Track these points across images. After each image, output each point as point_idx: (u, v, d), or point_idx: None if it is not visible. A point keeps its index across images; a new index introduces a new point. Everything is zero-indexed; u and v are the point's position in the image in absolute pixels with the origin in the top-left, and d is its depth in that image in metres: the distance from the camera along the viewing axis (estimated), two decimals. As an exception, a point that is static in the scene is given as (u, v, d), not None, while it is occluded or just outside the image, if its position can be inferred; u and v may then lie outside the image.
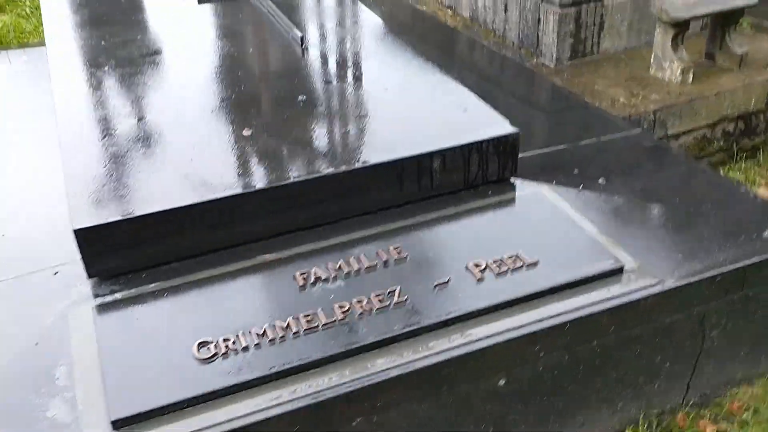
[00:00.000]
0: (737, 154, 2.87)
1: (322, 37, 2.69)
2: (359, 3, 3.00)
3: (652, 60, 2.80)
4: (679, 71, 2.71)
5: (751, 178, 2.84)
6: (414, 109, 2.10)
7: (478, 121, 2.03)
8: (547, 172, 2.07)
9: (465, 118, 2.05)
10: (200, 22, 2.85)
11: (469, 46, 3.19)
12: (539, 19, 2.98)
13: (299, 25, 2.63)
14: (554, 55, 2.95)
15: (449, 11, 3.64)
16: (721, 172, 2.84)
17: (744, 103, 2.76)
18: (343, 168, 1.80)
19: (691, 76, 2.72)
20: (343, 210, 1.84)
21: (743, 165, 2.88)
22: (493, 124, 2.01)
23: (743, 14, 2.81)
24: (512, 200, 1.94)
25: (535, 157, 2.18)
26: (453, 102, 2.13)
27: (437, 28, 3.42)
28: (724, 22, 2.79)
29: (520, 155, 2.06)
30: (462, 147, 1.92)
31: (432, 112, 2.08)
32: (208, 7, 3.00)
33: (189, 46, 2.55)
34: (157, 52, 2.49)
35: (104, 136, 1.96)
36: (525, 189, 1.98)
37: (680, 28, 2.67)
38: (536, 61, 3.02)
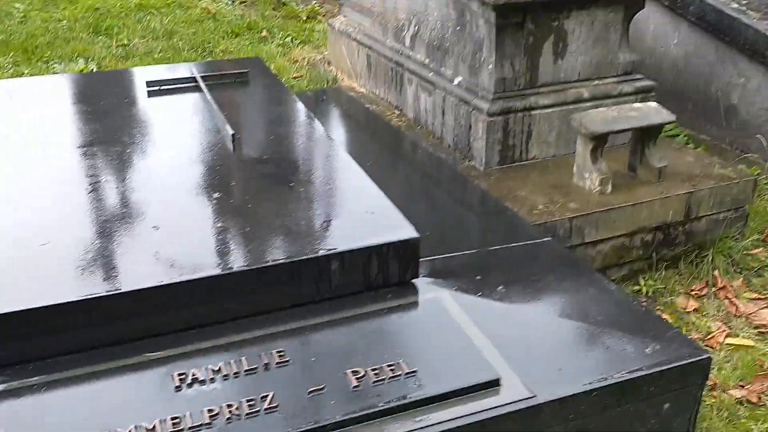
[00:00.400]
0: (657, 264, 2.94)
1: (257, 135, 2.78)
2: (298, 103, 3.11)
3: (574, 169, 2.90)
4: (598, 182, 2.80)
5: (670, 288, 2.90)
6: (322, 210, 2.16)
7: (383, 224, 2.09)
8: (451, 276, 2.12)
9: (370, 220, 2.11)
10: (142, 115, 2.94)
11: (409, 147, 3.30)
12: (470, 126, 3.10)
13: (239, 124, 2.73)
14: (483, 160, 3.05)
15: (396, 111, 3.78)
16: (641, 280, 2.91)
17: (661, 215, 2.85)
18: (238, 268, 1.84)
19: (609, 186, 2.82)
20: (237, 310, 1.86)
21: (663, 274, 2.94)
22: (397, 228, 2.06)
23: (661, 130, 2.93)
24: (408, 305, 1.97)
25: (443, 260, 2.23)
26: (363, 204, 2.20)
27: (384, 127, 3.54)
28: (643, 136, 2.91)
29: (429, 258, 2.12)
30: (361, 250, 1.97)
31: (339, 214, 2.15)
32: (156, 101, 3.11)
33: (120, 140, 2.62)
34: (88, 143, 2.56)
35: (12, 226, 2.01)
36: (424, 294, 2.01)
37: (599, 141, 2.78)
38: (468, 164, 3.12)
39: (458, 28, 3.24)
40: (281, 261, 1.89)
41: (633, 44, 4.26)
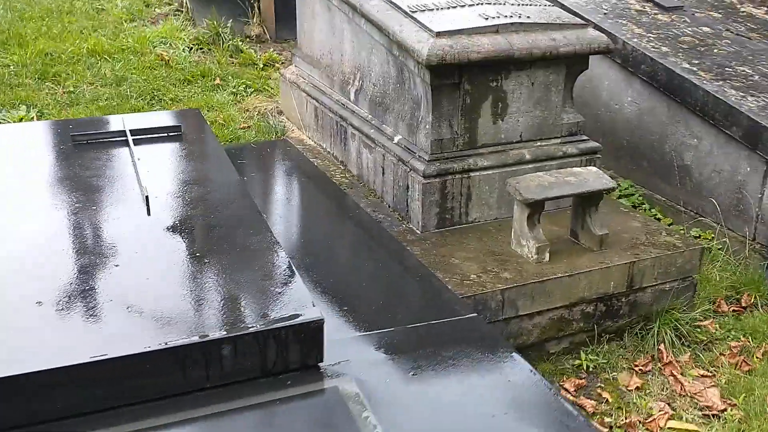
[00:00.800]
0: (600, 336, 2.79)
1: (177, 197, 2.64)
2: (228, 162, 2.98)
3: (512, 235, 2.77)
4: (534, 250, 2.66)
5: (613, 362, 2.75)
6: (224, 286, 2.00)
7: (286, 303, 1.93)
8: (361, 359, 1.96)
9: (274, 299, 1.95)
10: (59, 172, 2.79)
11: (346, 207, 3.15)
12: (408, 187, 2.97)
13: (161, 183, 2.60)
14: (420, 223, 2.91)
15: (341, 166, 3.65)
16: (582, 354, 2.76)
17: (602, 286, 2.71)
18: (115, 354, 1.68)
19: (547, 255, 2.68)
20: (114, 398, 1.69)
21: (606, 347, 2.79)
22: (299, 309, 1.91)
23: (602, 197, 2.80)
24: (307, 395, 1.81)
25: (357, 339, 2.07)
26: (270, 280, 2.04)
27: (324, 184, 3.39)
28: (583, 203, 2.78)
29: (341, 337, 1.97)
30: (256, 334, 1.81)
31: (242, 291, 1.98)
32: (78, 156, 2.96)
33: (30, 199, 2.47)
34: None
35: None
36: (327, 381, 1.85)
37: (535, 208, 2.65)
38: (405, 226, 2.98)
39: (398, 85, 3.13)
40: (163, 346, 1.72)
41: (588, 100, 4.19)
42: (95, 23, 5.81)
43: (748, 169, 3.29)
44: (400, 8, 3.00)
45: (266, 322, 1.84)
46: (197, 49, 5.40)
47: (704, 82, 3.46)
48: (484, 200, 2.99)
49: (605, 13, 4.18)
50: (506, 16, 2.91)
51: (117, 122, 3.36)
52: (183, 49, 5.35)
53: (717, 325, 2.95)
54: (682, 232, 3.15)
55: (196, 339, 1.75)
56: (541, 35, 2.90)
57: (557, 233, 2.92)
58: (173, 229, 2.40)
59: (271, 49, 5.50)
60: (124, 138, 3.15)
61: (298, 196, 3.32)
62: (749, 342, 2.85)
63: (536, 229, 2.68)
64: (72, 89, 4.56)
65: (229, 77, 4.99)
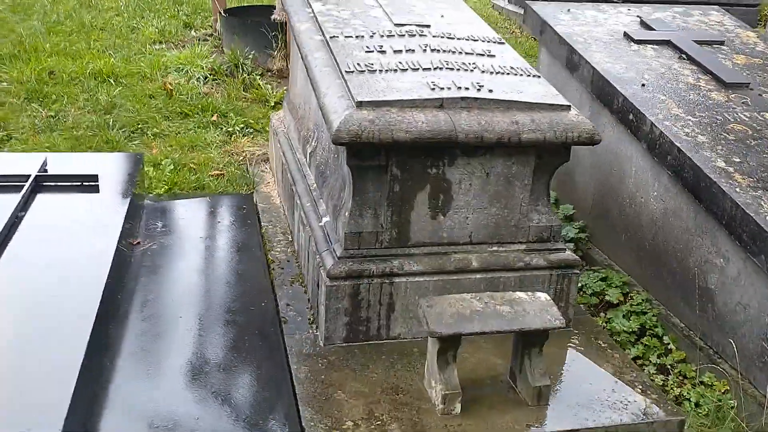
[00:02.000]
0: None
1: (30, 270, 2.21)
2: (120, 228, 2.53)
3: (425, 371, 2.14)
4: (441, 398, 2.03)
5: None
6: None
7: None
8: None
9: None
10: None
11: (252, 295, 2.61)
12: (318, 284, 2.40)
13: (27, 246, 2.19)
14: (324, 333, 2.33)
15: (289, 236, 3.13)
16: None
17: (528, 457, 2.04)
18: None
19: (457, 406, 2.03)
20: None
21: None
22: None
23: (547, 336, 2.13)
24: None
25: None
26: (39, 401, 1.55)
27: (247, 263, 2.87)
28: (523, 341, 2.13)
29: None
30: None
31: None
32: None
33: None
34: None
35: None
36: None
37: (448, 344, 2.02)
38: (311, 333, 2.41)
39: (335, 155, 2.58)
40: None
41: (614, 186, 3.48)
42: (122, 42, 5.59)
43: (778, 311, 2.51)
44: (338, 65, 2.46)
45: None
46: (212, 80, 5.05)
47: (736, 189, 2.71)
48: (411, 312, 2.37)
49: (643, 84, 3.46)
50: (461, 88, 2.31)
51: (37, 162, 2.99)
52: (197, 78, 5.01)
53: None
54: (660, 388, 2.39)
55: None
56: (500, 115, 2.27)
57: (497, 369, 2.27)
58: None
59: (285, 87, 5.04)
60: (26, 183, 2.79)
61: (203, 272, 2.77)
62: None
63: (448, 371, 2.04)
64: (55, 113, 4.28)
65: (232, 114, 4.57)
